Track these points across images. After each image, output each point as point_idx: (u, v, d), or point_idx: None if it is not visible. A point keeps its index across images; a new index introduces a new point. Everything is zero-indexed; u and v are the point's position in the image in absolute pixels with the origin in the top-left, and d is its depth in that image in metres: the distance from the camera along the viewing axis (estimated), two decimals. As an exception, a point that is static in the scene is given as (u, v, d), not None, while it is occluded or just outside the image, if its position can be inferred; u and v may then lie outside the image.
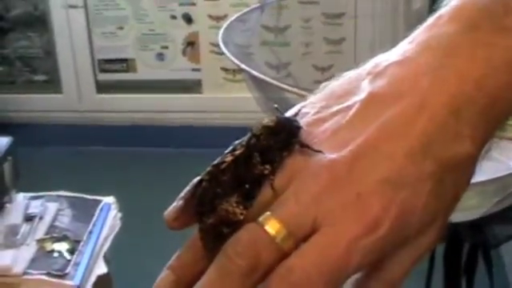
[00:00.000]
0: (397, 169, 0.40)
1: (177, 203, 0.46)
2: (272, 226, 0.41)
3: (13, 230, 1.58)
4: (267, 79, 0.94)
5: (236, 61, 1.00)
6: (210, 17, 2.93)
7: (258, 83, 1.02)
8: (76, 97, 3.11)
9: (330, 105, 0.44)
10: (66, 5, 2.97)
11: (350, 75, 0.45)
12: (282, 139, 0.43)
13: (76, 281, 1.47)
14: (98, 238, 1.61)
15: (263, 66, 1.83)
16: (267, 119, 0.44)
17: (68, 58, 3.06)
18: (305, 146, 0.42)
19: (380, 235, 0.40)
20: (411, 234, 0.42)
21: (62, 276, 1.48)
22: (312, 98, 0.46)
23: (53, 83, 3.13)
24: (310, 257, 0.40)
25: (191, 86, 3.08)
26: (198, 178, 0.45)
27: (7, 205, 1.66)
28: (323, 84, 0.46)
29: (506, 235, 1.09)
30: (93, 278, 1.52)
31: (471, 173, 0.43)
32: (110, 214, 1.70)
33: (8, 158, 1.69)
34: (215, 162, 0.45)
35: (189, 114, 3.03)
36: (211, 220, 0.43)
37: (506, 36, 0.41)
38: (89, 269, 1.53)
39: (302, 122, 0.44)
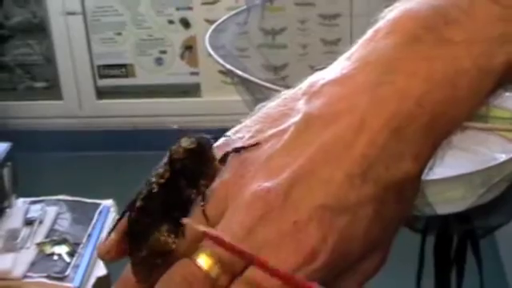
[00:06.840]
0: (335, 193, 0.38)
1: (107, 237, 0.44)
2: (205, 262, 0.38)
3: (13, 235, 1.60)
4: (253, 79, 0.94)
5: (222, 62, 1.01)
6: (207, 21, 2.95)
7: (247, 85, 1.03)
8: (76, 103, 3.13)
9: (265, 128, 0.42)
10: (65, 12, 2.99)
11: (285, 96, 0.43)
12: (204, 160, 0.42)
13: (76, 283, 1.49)
14: (97, 240, 1.63)
15: (261, 68, 1.84)
16: (187, 141, 0.43)
17: (68, 65, 3.08)
18: (223, 162, 0.41)
19: (318, 265, 0.38)
20: (353, 261, 0.40)
21: (62, 278, 1.50)
22: (247, 121, 0.44)
23: (53, 90, 3.15)
24: None
25: (190, 90, 3.09)
26: (124, 210, 0.44)
27: (7, 210, 1.69)
28: (259, 105, 0.44)
29: (492, 226, 1.10)
30: (92, 280, 1.54)
31: (415, 191, 0.41)
32: (108, 216, 1.72)
33: (7, 163, 1.71)
34: (141, 192, 0.43)
35: (188, 117, 3.05)
36: (143, 253, 0.42)
37: (446, 48, 0.39)
38: (88, 271, 1.55)
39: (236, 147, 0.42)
